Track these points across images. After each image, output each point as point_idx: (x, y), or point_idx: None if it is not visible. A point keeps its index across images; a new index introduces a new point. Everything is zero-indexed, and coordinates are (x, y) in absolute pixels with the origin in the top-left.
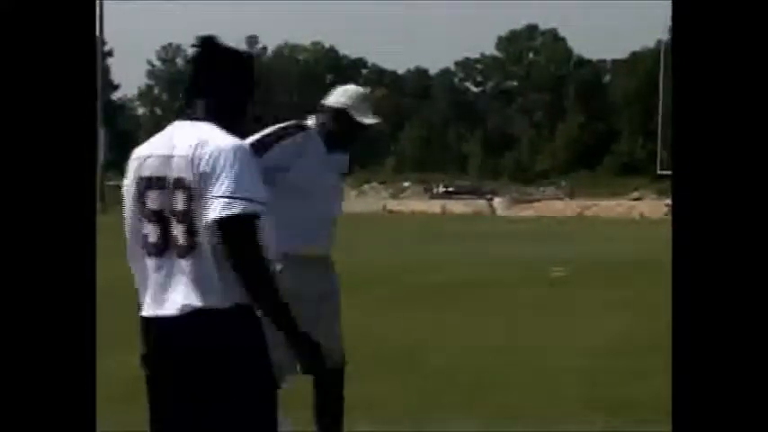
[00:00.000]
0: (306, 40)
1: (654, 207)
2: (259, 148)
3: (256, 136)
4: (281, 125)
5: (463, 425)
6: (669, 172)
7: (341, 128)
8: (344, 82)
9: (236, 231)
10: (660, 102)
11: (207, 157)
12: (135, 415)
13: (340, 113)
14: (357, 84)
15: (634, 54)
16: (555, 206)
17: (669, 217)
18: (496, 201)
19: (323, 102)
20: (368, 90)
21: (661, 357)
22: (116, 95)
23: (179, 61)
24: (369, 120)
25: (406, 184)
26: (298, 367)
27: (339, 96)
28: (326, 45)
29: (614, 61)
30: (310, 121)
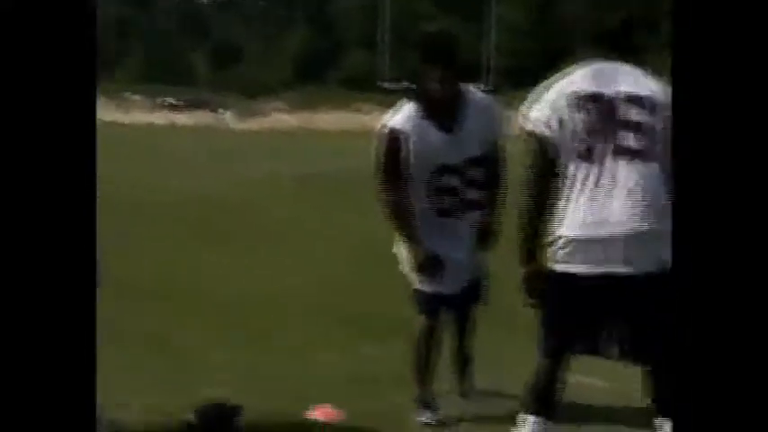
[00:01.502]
0: None
1: (377, 119)
2: None
3: None
4: None
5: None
6: (390, 85)
7: None
8: None
9: None
10: (385, 16)
11: None
12: None
13: None
14: None
15: None
16: (283, 119)
17: None
18: (226, 114)
19: None
20: None
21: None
22: None
23: None
24: None
25: (132, 96)
26: None
27: None
28: None
29: None
30: None
